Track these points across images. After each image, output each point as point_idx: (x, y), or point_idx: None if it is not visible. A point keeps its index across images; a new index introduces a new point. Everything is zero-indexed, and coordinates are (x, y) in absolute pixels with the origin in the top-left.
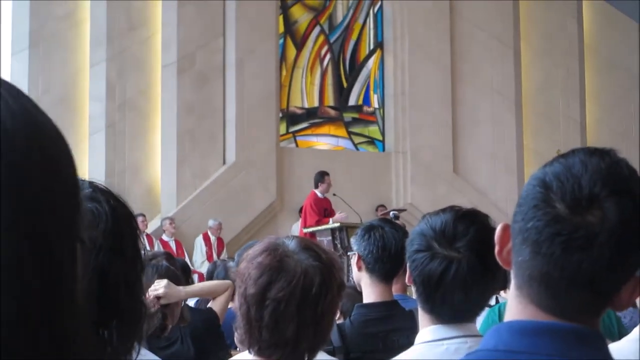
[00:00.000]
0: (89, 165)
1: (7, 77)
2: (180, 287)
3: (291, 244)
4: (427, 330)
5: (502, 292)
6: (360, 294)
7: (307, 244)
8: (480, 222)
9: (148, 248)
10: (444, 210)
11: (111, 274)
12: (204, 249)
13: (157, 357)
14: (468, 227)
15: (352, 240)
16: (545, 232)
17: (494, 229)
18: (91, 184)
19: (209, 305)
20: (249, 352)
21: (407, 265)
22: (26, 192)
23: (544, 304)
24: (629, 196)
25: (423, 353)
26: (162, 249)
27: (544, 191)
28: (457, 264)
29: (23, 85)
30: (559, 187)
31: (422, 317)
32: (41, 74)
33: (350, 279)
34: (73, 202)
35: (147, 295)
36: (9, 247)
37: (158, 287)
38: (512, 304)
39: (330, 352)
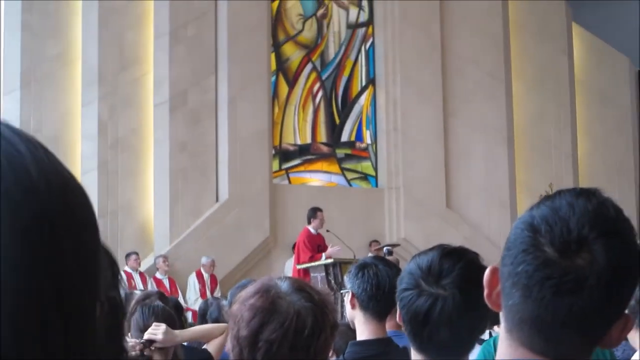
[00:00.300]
0: None
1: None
2: (177, 332)
3: (284, 285)
4: None
5: (495, 327)
6: (353, 331)
7: (300, 285)
8: (467, 260)
9: (141, 287)
10: (432, 249)
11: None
12: (197, 286)
13: None
14: (454, 264)
15: (346, 278)
16: (536, 276)
17: (482, 267)
18: None
19: (204, 347)
20: None
21: (397, 303)
22: (55, 251)
23: (535, 346)
24: (617, 237)
25: None
26: (155, 288)
27: (532, 235)
28: (443, 301)
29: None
30: (547, 230)
31: (414, 354)
32: (33, 113)
33: (344, 316)
34: (96, 262)
35: (141, 338)
36: (34, 303)
37: (157, 332)
38: (503, 346)
39: None
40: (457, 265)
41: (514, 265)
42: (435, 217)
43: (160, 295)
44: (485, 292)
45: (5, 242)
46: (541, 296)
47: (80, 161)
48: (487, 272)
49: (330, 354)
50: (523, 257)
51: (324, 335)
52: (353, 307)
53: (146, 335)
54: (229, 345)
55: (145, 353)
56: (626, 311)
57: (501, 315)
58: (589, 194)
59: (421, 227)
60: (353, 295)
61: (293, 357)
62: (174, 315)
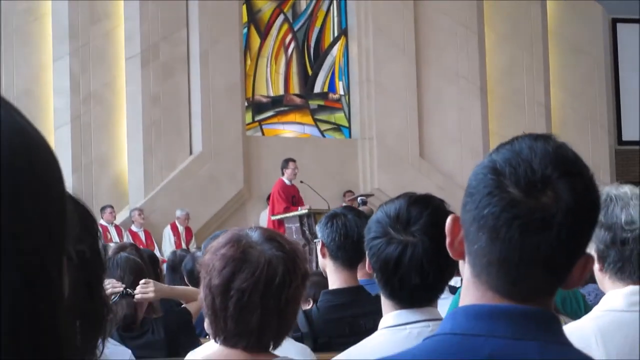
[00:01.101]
0: None
1: None
2: (166, 287)
3: (254, 235)
4: (390, 316)
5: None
6: (325, 280)
7: (271, 234)
8: (434, 206)
9: (117, 240)
10: (398, 197)
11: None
12: (173, 238)
13: (125, 347)
14: (422, 211)
15: (317, 227)
16: (503, 217)
17: (448, 213)
18: None
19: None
20: (215, 341)
21: (366, 253)
22: (18, 206)
23: (501, 288)
24: (578, 176)
25: (386, 338)
26: (131, 240)
27: (496, 177)
28: (413, 248)
29: None
30: (511, 172)
31: (385, 302)
32: (4, 69)
33: (318, 265)
34: (61, 216)
35: (135, 297)
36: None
37: (147, 291)
38: (470, 291)
39: (298, 339)
40: (424, 212)
41: (478, 209)
42: (409, 167)
43: (135, 248)
44: (447, 240)
45: None
46: (509, 236)
47: (53, 116)
48: (448, 221)
49: (304, 303)
50: (488, 199)
51: (295, 283)
52: (324, 256)
53: (138, 296)
54: (201, 294)
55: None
56: (587, 251)
57: (461, 264)
58: (546, 138)
59: (395, 177)
60: (323, 245)
61: (264, 305)
62: (142, 266)
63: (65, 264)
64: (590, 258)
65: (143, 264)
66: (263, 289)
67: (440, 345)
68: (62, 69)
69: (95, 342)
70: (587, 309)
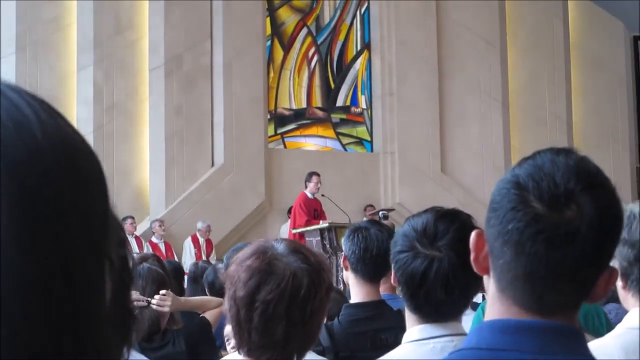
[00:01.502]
0: None
1: None
2: (182, 299)
3: (280, 247)
4: (414, 330)
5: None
6: (344, 297)
7: (296, 246)
8: (461, 221)
9: (137, 251)
10: (425, 211)
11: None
12: (193, 250)
13: (145, 358)
14: (448, 226)
15: (342, 240)
16: (527, 232)
17: (475, 228)
18: None
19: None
20: (239, 352)
21: (392, 265)
22: (61, 214)
23: (527, 303)
24: (601, 188)
25: (410, 352)
26: (151, 251)
27: (519, 192)
28: (439, 263)
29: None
30: (534, 186)
31: (409, 316)
32: (28, 78)
33: (340, 278)
34: (105, 223)
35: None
36: (38, 262)
37: (164, 304)
38: (495, 306)
39: (320, 352)
40: (451, 227)
41: (503, 224)
42: (430, 182)
43: (157, 258)
44: (472, 255)
45: (10, 206)
46: (534, 251)
47: (76, 125)
48: (472, 236)
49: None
50: (512, 214)
51: (320, 295)
52: (346, 269)
53: (156, 304)
54: (226, 306)
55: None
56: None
57: (486, 279)
58: (567, 152)
59: (416, 192)
60: (345, 258)
61: (289, 317)
62: (164, 276)
63: (108, 268)
64: (614, 271)
65: (165, 274)
66: (288, 301)
67: None
68: (85, 79)
69: (121, 352)
70: (609, 326)
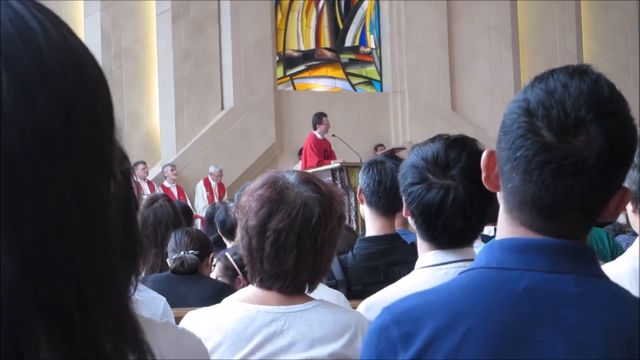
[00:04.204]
0: None
1: None
2: None
3: (291, 177)
4: (428, 255)
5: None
6: (354, 233)
7: (307, 177)
8: (471, 147)
9: (149, 193)
10: (432, 140)
11: None
12: (205, 193)
13: (160, 295)
14: (460, 154)
15: (359, 173)
16: (535, 161)
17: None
18: None
19: None
20: (251, 283)
21: (404, 198)
22: (71, 135)
23: (535, 225)
24: (613, 117)
25: (423, 277)
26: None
27: (529, 120)
28: (454, 191)
29: None
30: (544, 115)
31: (421, 244)
32: None
33: (352, 217)
34: (110, 135)
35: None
36: (51, 181)
37: None
38: (503, 226)
39: (333, 286)
40: (462, 154)
41: (512, 150)
42: (441, 120)
43: (167, 198)
44: (483, 175)
45: (19, 128)
46: (542, 179)
47: None
48: (484, 156)
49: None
50: (521, 142)
51: (331, 225)
52: (361, 202)
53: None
54: (238, 237)
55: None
56: (625, 184)
57: (499, 195)
58: (582, 72)
59: (427, 131)
60: (361, 191)
61: (300, 246)
62: (176, 215)
63: (113, 184)
64: (627, 191)
65: (175, 213)
66: (299, 229)
67: (475, 279)
68: (93, 25)
69: (129, 279)
70: (614, 247)
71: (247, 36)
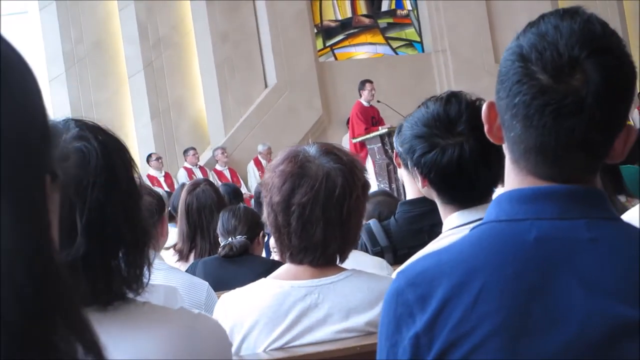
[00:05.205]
0: (133, 107)
1: (38, 30)
2: None
3: (311, 150)
4: (453, 217)
5: None
6: (395, 199)
7: (328, 148)
8: (465, 99)
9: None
10: (425, 105)
11: (108, 207)
12: (257, 173)
13: (201, 281)
14: (459, 108)
15: (393, 137)
16: (534, 105)
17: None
18: (78, 122)
19: None
20: (282, 259)
21: (417, 171)
22: None
23: (541, 172)
24: (607, 53)
25: (452, 240)
26: (217, 180)
27: (523, 64)
28: (467, 145)
29: (55, 37)
30: (537, 58)
31: (443, 208)
32: (72, 24)
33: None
34: (42, 133)
35: (227, 240)
36: None
37: None
38: (510, 177)
39: (378, 253)
40: (461, 108)
41: (510, 97)
42: (485, 74)
43: (208, 182)
44: (486, 127)
45: None
46: (542, 123)
47: (126, 64)
48: (484, 108)
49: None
50: (518, 88)
51: (355, 193)
52: (399, 165)
53: None
54: (265, 215)
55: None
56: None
57: (505, 147)
58: (573, 13)
59: (472, 86)
60: (397, 155)
61: (326, 217)
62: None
63: (49, 182)
64: (632, 129)
65: (217, 196)
66: (323, 201)
67: (486, 234)
68: (128, 17)
69: (140, 271)
70: None
71: (283, 10)
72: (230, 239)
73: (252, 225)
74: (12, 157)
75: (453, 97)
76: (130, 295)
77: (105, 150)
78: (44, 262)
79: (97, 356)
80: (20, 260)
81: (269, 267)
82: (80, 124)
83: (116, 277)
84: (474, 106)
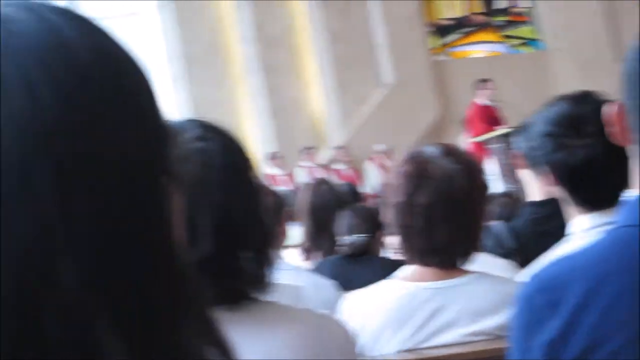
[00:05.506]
0: (252, 106)
1: (157, 30)
2: None
3: (433, 151)
4: (583, 219)
5: None
6: (516, 200)
7: (449, 149)
8: (595, 102)
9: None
10: (552, 105)
11: (232, 207)
12: (375, 172)
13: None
14: (588, 108)
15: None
16: None
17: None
18: (199, 122)
19: None
20: (408, 262)
21: (546, 170)
22: (103, 123)
23: None
24: None
25: (584, 242)
26: (336, 178)
27: None
28: (597, 148)
29: (173, 37)
30: None
31: (571, 210)
32: (187, 23)
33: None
34: (156, 133)
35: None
36: (95, 185)
37: None
38: None
39: (504, 254)
40: (594, 108)
41: (637, 98)
42: (605, 72)
43: (327, 181)
44: (614, 129)
45: (65, 132)
46: None
47: (242, 65)
48: (611, 109)
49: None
50: None
51: (477, 195)
52: (519, 166)
53: None
54: (388, 215)
55: None
56: None
57: (633, 149)
58: None
59: (592, 83)
60: (518, 155)
61: (449, 219)
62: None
63: (167, 183)
64: None
65: (338, 195)
66: (446, 202)
67: (618, 239)
68: (243, 18)
69: (265, 270)
70: None
71: (397, 11)
72: (350, 237)
73: (372, 224)
74: (131, 159)
75: (585, 97)
76: (256, 294)
77: (226, 150)
78: (167, 263)
79: (226, 356)
80: (144, 265)
81: (392, 267)
82: (201, 124)
83: (241, 277)
84: (601, 105)
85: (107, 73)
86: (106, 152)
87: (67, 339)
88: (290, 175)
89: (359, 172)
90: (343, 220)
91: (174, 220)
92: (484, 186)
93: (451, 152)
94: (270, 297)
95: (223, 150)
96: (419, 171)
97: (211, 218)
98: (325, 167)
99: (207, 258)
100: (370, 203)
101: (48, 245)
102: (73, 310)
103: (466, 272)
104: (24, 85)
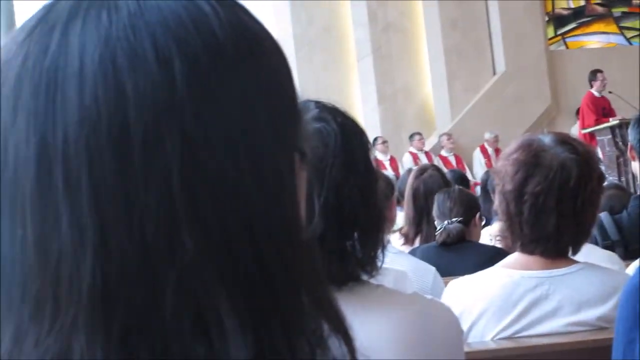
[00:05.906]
0: (361, 91)
1: (271, 14)
2: None
3: (546, 139)
4: None
5: None
6: (627, 192)
7: (563, 137)
8: None
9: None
10: None
11: (346, 188)
12: (483, 160)
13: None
14: None
15: (628, 130)
16: None
17: None
18: (317, 103)
19: None
20: (513, 249)
21: None
22: (242, 103)
23: None
24: None
25: None
26: (442, 165)
27: None
28: None
29: (288, 19)
30: None
31: None
32: (303, 8)
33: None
34: (291, 113)
35: (444, 223)
36: (224, 158)
37: None
38: None
39: (609, 246)
40: None
41: None
42: None
43: (436, 168)
44: None
45: (196, 112)
46: None
47: (355, 48)
48: None
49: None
50: None
51: (591, 185)
52: (633, 158)
53: None
54: (496, 202)
55: None
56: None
57: None
58: None
59: None
60: (631, 147)
61: (559, 208)
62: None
63: (298, 161)
64: None
65: (444, 182)
66: (557, 192)
67: None
68: (358, 2)
69: (374, 253)
70: None
71: None
72: (445, 222)
73: (467, 207)
74: (263, 134)
75: None
76: (364, 277)
77: (344, 131)
78: (290, 237)
79: (343, 335)
80: (268, 237)
81: (491, 255)
82: (320, 105)
83: (351, 259)
84: None
85: (242, 50)
86: (234, 126)
87: (182, 309)
88: (393, 160)
89: (466, 160)
90: (437, 203)
91: (300, 197)
92: (599, 177)
93: (565, 141)
94: (378, 280)
95: (340, 131)
96: (531, 159)
97: (324, 198)
98: (432, 153)
99: (319, 237)
100: (476, 191)
101: (172, 214)
102: (192, 280)
103: (573, 261)
104: (159, 59)
